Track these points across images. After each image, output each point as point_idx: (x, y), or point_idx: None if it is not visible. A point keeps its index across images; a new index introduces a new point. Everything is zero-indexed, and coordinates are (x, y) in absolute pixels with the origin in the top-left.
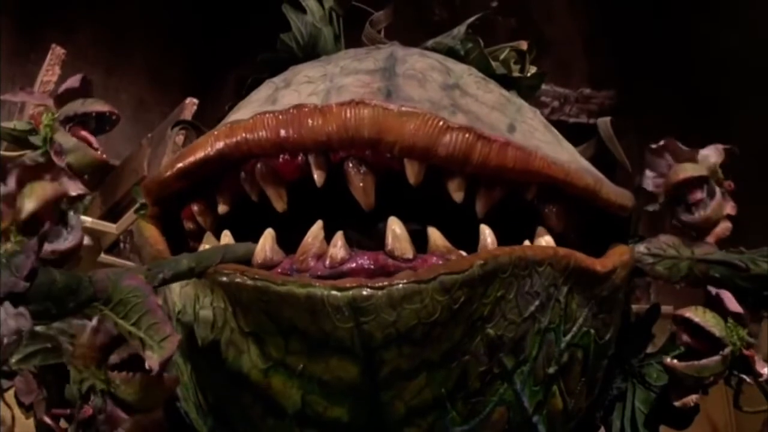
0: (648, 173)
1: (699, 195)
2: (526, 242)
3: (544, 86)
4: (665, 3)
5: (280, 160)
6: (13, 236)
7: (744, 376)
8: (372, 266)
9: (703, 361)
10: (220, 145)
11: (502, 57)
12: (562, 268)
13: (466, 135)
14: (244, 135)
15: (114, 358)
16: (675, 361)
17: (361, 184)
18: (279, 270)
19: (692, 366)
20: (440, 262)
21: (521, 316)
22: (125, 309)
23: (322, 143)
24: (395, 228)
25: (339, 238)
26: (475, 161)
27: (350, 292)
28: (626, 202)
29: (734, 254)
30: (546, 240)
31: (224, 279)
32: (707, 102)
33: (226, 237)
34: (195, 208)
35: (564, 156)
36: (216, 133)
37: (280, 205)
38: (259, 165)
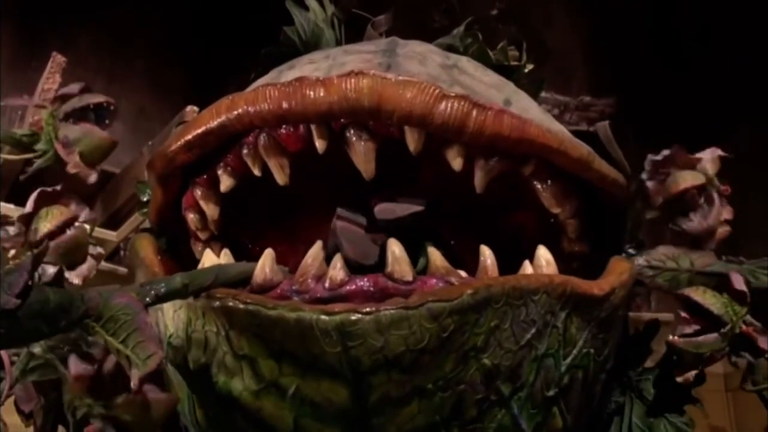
0: (648, 179)
1: (698, 202)
2: (526, 263)
3: (544, 94)
4: (665, 11)
5: (283, 131)
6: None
7: (746, 355)
8: (371, 288)
9: (701, 338)
10: (221, 117)
11: (499, 47)
12: (559, 295)
13: (462, 102)
14: (245, 107)
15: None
16: (676, 337)
17: (362, 150)
18: (279, 291)
19: (691, 342)
20: (440, 284)
21: (518, 345)
22: (114, 326)
23: (324, 114)
24: (395, 249)
25: (338, 260)
26: (470, 129)
27: (338, 317)
28: (619, 178)
29: (734, 265)
30: (546, 259)
31: (216, 303)
32: (707, 109)
33: (226, 256)
34: (198, 192)
35: (559, 128)
36: (217, 105)
37: (281, 177)
38: (262, 137)
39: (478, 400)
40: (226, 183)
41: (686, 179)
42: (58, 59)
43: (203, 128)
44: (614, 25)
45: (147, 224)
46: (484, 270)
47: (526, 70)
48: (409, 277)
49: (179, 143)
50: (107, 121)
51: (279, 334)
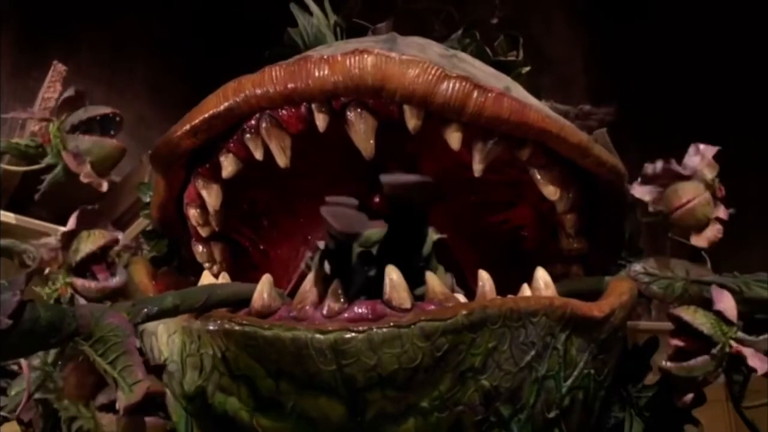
0: (645, 186)
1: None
2: (525, 286)
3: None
4: (664, 19)
5: (284, 111)
6: (62, 276)
7: (739, 375)
8: (369, 315)
9: (692, 362)
10: (228, 100)
11: (497, 42)
12: (558, 317)
13: (464, 83)
14: (252, 89)
15: (101, 399)
16: (668, 363)
17: (362, 129)
18: (277, 317)
19: (683, 367)
20: None
21: (517, 366)
22: (104, 347)
23: (329, 92)
24: (393, 276)
25: (336, 286)
26: (471, 109)
27: (332, 336)
28: (618, 164)
29: (728, 277)
30: (545, 281)
31: (212, 326)
32: (708, 116)
33: (224, 278)
34: (199, 182)
35: (558, 116)
36: (224, 89)
37: (282, 159)
38: (264, 119)
39: (478, 421)
40: (228, 169)
41: (687, 191)
42: (58, 68)
43: (210, 112)
44: (614, 34)
45: (149, 228)
46: (482, 296)
47: (524, 71)
48: (407, 304)
49: (184, 128)
50: (113, 132)
51: (275, 354)
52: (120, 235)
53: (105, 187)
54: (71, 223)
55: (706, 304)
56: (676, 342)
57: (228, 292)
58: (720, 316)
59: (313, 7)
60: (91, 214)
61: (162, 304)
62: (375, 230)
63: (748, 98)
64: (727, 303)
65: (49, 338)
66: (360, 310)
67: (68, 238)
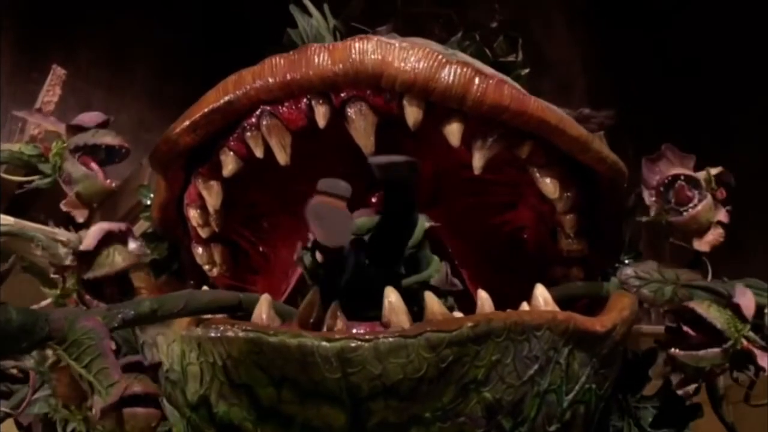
0: (644, 186)
1: (688, 193)
2: (524, 305)
3: None
4: (664, 22)
5: (284, 108)
6: (72, 284)
7: (747, 372)
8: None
9: (702, 352)
10: (228, 93)
11: (496, 44)
12: (561, 331)
13: (465, 69)
14: (252, 81)
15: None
16: (677, 350)
17: (362, 126)
18: None
19: (691, 356)
20: None
21: (520, 380)
22: (78, 350)
23: (329, 80)
24: (392, 299)
25: (336, 308)
26: (472, 96)
27: (338, 344)
28: (619, 161)
29: (718, 282)
30: (544, 298)
31: (213, 334)
32: (708, 121)
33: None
34: (200, 181)
35: (557, 109)
36: (224, 83)
37: (282, 156)
38: (264, 117)
39: None
40: (228, 167)
41: (677, 167)
42: (58, 72)
43: (210, 107)
44: (614, 37)
45: (149, 231)
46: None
47: (523, 73)
48: (406, 327)
49: (184, 124)
50: (117, 160)
51: (280, 361)
52: (141, 251)
53: (82, 218)
54: (90, 242)
55: (721, 300)
56: (688, 331)
57: (208, 299)
58: (736, 310)
59: (313, 10)
60: (114, 236)
61: (139, 308)
62: (366, 218)
63: (748, 101)
64: (747, 300)
65: (20, 341)
66: (359, 333)
67: (85, 257)
